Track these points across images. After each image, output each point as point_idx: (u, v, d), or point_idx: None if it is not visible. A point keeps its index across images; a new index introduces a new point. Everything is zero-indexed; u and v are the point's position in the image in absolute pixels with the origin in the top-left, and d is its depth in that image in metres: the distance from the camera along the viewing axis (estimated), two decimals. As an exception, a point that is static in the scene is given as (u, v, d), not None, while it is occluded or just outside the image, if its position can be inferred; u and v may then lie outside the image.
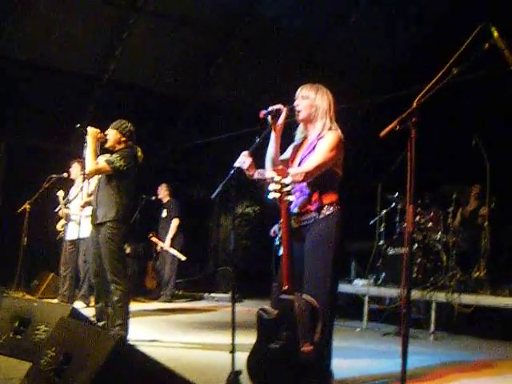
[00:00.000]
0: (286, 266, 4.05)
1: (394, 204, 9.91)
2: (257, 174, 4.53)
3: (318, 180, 4.50)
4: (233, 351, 4.48)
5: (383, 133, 3.62)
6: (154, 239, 12.10)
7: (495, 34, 3.70)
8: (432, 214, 9.45)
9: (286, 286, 4.04)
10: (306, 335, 3.92)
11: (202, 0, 11.71)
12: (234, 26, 12.34)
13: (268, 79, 12.89)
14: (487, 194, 8.91)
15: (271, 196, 4.11)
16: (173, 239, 11.92)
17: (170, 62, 12.44)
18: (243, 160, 4.49)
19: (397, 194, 9.69)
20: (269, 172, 4.49)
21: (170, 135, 13.57)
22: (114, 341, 3.79)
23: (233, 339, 4.47)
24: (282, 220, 4.14)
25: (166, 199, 12.18)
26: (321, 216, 4.48)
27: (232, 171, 4.46)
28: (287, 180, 4.10)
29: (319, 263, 4.38)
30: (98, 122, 7.13)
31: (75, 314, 5.42)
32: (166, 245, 11.91)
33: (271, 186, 4.11)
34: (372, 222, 10.19)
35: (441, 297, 8.40)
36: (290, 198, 4.14)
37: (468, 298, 8.28)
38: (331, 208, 4.50)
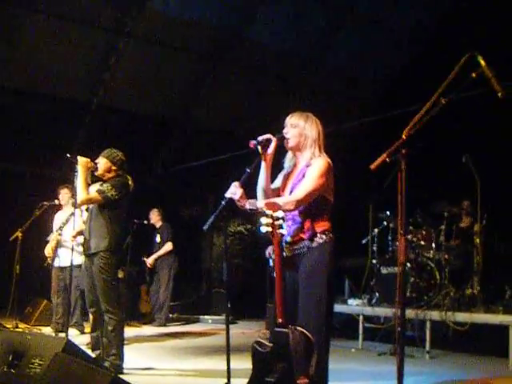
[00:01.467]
0: (279, 299, 4.05)
1: (385, 223, 9.92)
2: (248, 205, 4.51)
3: (310, 208, 4.50)
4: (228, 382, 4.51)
5: (374, 165, 3.63)
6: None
7: (482, 62, 3.73)
8: (424, 232, 9.47)
9: (280, 320, 4.04)
10: (302, 368, 3.91)
11: (190, 24, 11.74)
12: (222, 50, 12.39)
13: (257, 102, 12.93)
14: (478, 210, 8.93)
15: (263, 230, 4.11)
16: (166, 262, 11.93)
17: (159, 85, 12.46)
18: (234, 191, 4.48)
19: (388, 212, 9.70)
20: (260, 202, 4.51)
21: (160, 158, 13.59)
22: (108, 379, 3.78)
23: (228, 373, 4.48)
24: (274, 253, 4.13)
25: (158, 224, 12.16)
26: (314, 244, 4.47)
27: (223, 202, 4.45)
28: (279, 213, 4.11)
29: (313, 294, 4.37)
30: (89, 147, 7.13)
31: (70, 347, 5.38)
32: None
33: (263, 220, 4.11)
34: (364, 240, 10.20)
35: (435, 315, 8.40)
36: (283, 231, 4.15)
37: (462, 316, 8.28)
38: (324, 236, 4.49)
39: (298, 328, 4.03)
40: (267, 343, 4.08)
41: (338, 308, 9.68)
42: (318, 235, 4.49)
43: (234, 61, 12.67)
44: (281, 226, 4.12)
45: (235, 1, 11.99)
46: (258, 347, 4.10)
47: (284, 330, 4.01)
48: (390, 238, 9.80)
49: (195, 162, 12.99)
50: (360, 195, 11.02)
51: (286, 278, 4.27)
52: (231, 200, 4.48)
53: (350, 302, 9.79)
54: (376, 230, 10.02)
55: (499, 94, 3.72)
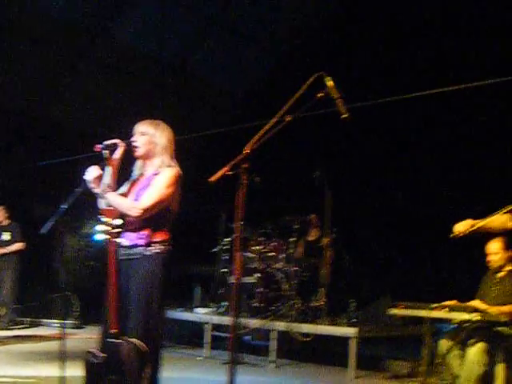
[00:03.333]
0: (113, 309, 3.96)
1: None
2: (99, 189, 4.41)
3: (152, 216, 4.44)
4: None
5: (214, 178, 3.61)
6: None
7: (329, 83, 3.79)
8: (274, 243, 9.59)
9: (114, 330, 3.96)
10: (134, 380, 3.84)
11: (52, 17, 11.43)
12: (83, 47, 12.12)
13: (119, 102, 12.75)
14: (327, 224, 9.13)
15: (100, 237, 4.03)
16: (11, 262, 11.55)
17: (15, 79, 12.04)
18: (93, 172, 4.42)
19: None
20: (101, 204, 4.43)
21: (15, 154, 13.14)
22: None
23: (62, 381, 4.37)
24: (109, 262, 4.04)
25: (5, 222, 11.76)
26: (148, 253, 4.39)
27: (83, 185, 4.40)
28: (117, 221, 4.03)
29: (145, 303, 4.29)
30: None
31: None
32: None
33: (100, 227, 4.02)
34: (215, 249, 10.20)
35: (281, 325, 8.51)
36: (119, 240, 4.07)
37: (307, 327, 8.44)
38: (161, 246, 4.43)
39: (132, 339, 3.96)
40: (100, 354, 3.99)
41: (186, 316, 9.71)
42: (155, 244, 4.42)
43: (97, 59, 12.43)
44: (118, 235, 4.05)
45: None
46: (91, 357, 4.00)
47: (117, 340, 3.93)
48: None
49: (49, 161, 12.62)
50: (213, 204, 11.03)
51: (120, 290, 4.20)
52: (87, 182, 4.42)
53: (198, 310, 9.75)
54: (226, 240, 10.06)
55: (343, 116, 3.79)
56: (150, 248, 4.40)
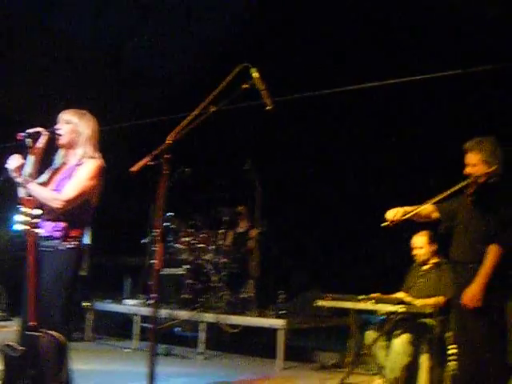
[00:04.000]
0: (32, 302, 3.87)
1: (166, 223, 9.87)
2: (20, 179, 4.30)
3: (71, 209, 4.36)
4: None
5: (135, 168, 3.55)
6: None
7: (255, 75, 3.77)
8: (203, 234, 9.54)
9: (32, 323, 3.87)
10: (53, 374, 3.77)
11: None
12: (14, 34, 11.85)
13: (47, 90, 12.52)
14: (257, 216, 9.13)
15: (19, 228, 3.93)
16: None
17: None
18: (15, 161, 4.31)
19: (170, 213, 9.68)
20: (21, 193, 4.31)
21: None
22: None
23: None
24: (29, 253, 3.94)
25: None
26: (62, 247, 4.31)
27: (5, 174, 4.30)
28: (36, 211, 3.94)
29: (53, 297, 4.21)
30: None
31: None
32: None
33: (19, 218, 3.92)
34: (144, 240, 10.10)
35: (209, 317, 8.50)
36: (39, 230, 3.98)
37: (236, 319, 8.44)
38: (74, 243, 4.35)
39: (51, 332, 3.88)
40: (18, 347, 3.90)
41: (115, 308, 9.63)
42: (69, 239, 4.35)
43: (28, 45, 12.18)
44: (37, 225, 3.95)
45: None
46: (9, 351, 3.90)
47: (35, 333, 3.84)
48: (170, 238, 9.79)
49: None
50: (143, 195, 10.96)
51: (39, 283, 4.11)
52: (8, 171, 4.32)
53: (127, 301, 9.65)
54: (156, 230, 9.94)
55: (268, 107, 3.77)
56: (64, 242, 4.32)
